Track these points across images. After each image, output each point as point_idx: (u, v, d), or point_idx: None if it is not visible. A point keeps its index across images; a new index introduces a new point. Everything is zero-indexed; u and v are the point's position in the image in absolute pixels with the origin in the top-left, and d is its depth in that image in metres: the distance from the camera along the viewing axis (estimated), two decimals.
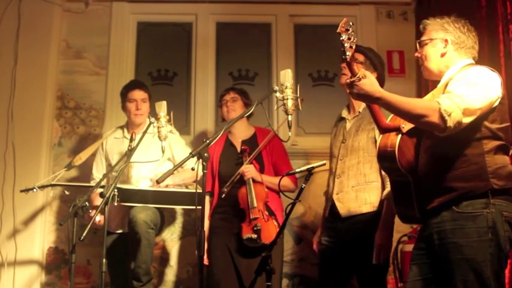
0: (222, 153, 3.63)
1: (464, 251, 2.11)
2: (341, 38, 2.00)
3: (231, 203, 3.45)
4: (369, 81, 2.05)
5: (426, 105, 2.09)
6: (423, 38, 2.39)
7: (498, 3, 3.56)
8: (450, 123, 2.05)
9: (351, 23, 2.02)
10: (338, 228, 3.01)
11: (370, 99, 2.11)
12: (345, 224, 2.96)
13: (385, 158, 2.28)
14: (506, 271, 3.28)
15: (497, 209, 2.12)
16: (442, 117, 2.04)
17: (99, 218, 3.39)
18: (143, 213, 3.33)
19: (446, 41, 2.35)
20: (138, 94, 3.61)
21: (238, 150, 3.59)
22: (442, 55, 2.35)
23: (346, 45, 2.00)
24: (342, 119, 3.19)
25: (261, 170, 3.49)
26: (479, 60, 3.58)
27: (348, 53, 2.01)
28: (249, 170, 3.42)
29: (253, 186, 3.38)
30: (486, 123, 2.18)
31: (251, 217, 3.31)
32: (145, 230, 3.31)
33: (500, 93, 2.21)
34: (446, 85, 2.23)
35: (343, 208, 2.98)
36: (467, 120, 2.10)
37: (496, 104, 2.19)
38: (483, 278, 2.08)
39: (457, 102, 2.07)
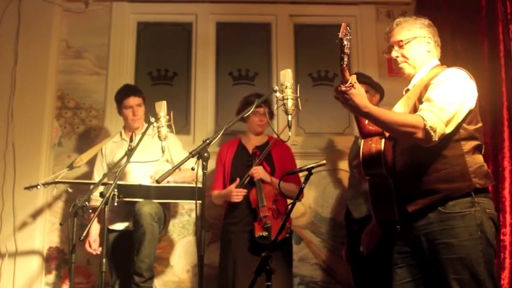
0: (235, 156, 3.70)
1: (456, 250, 2.13)
2: (343, 44, 1.98)
3: (242, 207, 3.54)
4: (359, 93, 2.06)
5: (412, 122, 2.11)
6: (406, 37, 2.36)
7: (498, 3, 3.56)
8: (435, 137, 2.11)
9: (348, 28, 2.01)
10: (353, 230, 3.25)
11: (357, 111, 2.10)
12: (358, 225, 3.14)
13: (370, 163, 2.29)
14: (507, 271, 3.29)
15: (482, 207, 2.18)
16: (427, 133, 2.10)
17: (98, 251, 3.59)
18: (148, 206, 3.35)
19: (430, 38, 2.39)
20: (134, 100, 3.65)
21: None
22: (428, 52, 2.38)
23: (346, 51, 1.99)
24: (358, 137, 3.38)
25: (272, 174, 3.59)
26: (479, 60, 3.60)
27: (345, 59, 2.01)
28: (257, 171, 3.53)
29: (262, 186, 3.50)
30: (464, 124, 2.22)
31: (261, 215, 3.42)
32: (149, 222, 3.32)
33: (476, 95, 2.26)
34: (424, 87, 2.25)
35: (355, 211, 3.27)
36: (449, 129, 2.17)
37: (473, 107, 2.24)
38: (477, 275, 2.12)
39: (441, 117, 2.12)
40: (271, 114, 3.72)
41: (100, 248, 3.58)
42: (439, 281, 2.16)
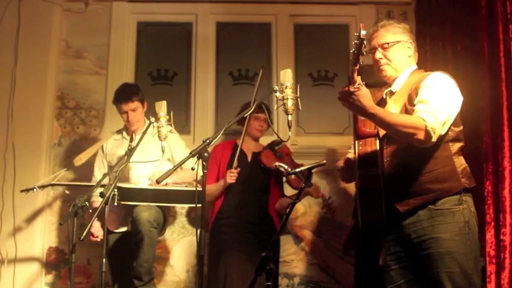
0: (231, 159, 3.70)
1: (447, 244, 2.19)
2: (363, 45, 1.98)
3: (234, 208, 3.56)
4: (366, 94, 2.08)
5: (414, 123, 2.15)
6: (390, 40, 2.39)
7: (498, 3, 3.56)
8: (434, 138, 2.17)
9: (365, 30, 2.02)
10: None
11: (363, 113, 2.12)
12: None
13: (367, 164, 2.30)
14: (507, 271, 3.29)
15: (468, 206, 2.26)
16: (428, 134, 2.14)
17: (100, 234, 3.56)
18: (146, 212, 3.34)
19: (411, 43, 2.44)
20: (126, 107, 3.60)
21: (249, 159, 3.72)
22: (409, 57, 2.43)
23: (363, 52, 2.01)
24: None
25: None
26: (479, 60, 3.60)
27: (360, 61, 2.02)
28: None
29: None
30: (451, 126, 2.28)
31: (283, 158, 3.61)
32: (148, 228, 3.33)
33: (462, 99, 2.32)
34: (413, 90, 2.28)
35: None
36: (444, 131, 2.23)
37: (459, 110, 2.30)
38: (466, 269, 2.18)
39: (439, 119, 2.17)
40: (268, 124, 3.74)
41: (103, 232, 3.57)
42: (430, 276, 2.20)
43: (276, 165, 3.23)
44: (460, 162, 2.30)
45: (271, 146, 3.71)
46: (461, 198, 2.24)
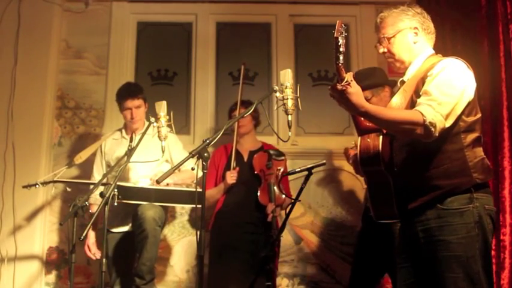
0: (228, 162, 3.71)
1: (453, 248, 2.08)
2: (339, 42, 1.92)
3: (234, 208, 3.58)
4: (355, 91, 2.00)
5: (411, 118, 2.05)
6: (389, 32, 2.30)
7: (498, 3, 3.57)
8: (436, 133, 2.05)
9: (343, 26, 1.95)
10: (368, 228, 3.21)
11: (354, 111, 2.04)
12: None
13: (369, 161, 2.22)
14: (506, 271, 3.29)
15: (481, 203, 2.12)
16: (427, 129, 2.04)
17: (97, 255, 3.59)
18: (152, 210, 3.35)
19: (416, 28, 2.30)
20: (132, 103, 3.61)
21: (245, 159, 3.71)
22: (415, 43, 2.30)
23: (342, 49, 1.93)
24: None
25: None
26: (479, 60, 3.61)
27: (341, 58, 1.94)
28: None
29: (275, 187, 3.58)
30: (463, 116, 2.15)
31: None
32: (153, 227, 3.33)
33: (475, 85, 2.19)
34: (420, 80, 2.18)
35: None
36: (449, 123, 2.10)
37: (472, 97, 2.17)
38: (473, 274, 2.07)
39: (440, 111, 2.06)
40: (256, 120, 3.82)
41: (99, 252, 3.59)
42: (433, 280, 2.12)
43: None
44: (475, 154, 2.15)
45: (270, 153, 3.63)
46: (472, 196, 2.10)
